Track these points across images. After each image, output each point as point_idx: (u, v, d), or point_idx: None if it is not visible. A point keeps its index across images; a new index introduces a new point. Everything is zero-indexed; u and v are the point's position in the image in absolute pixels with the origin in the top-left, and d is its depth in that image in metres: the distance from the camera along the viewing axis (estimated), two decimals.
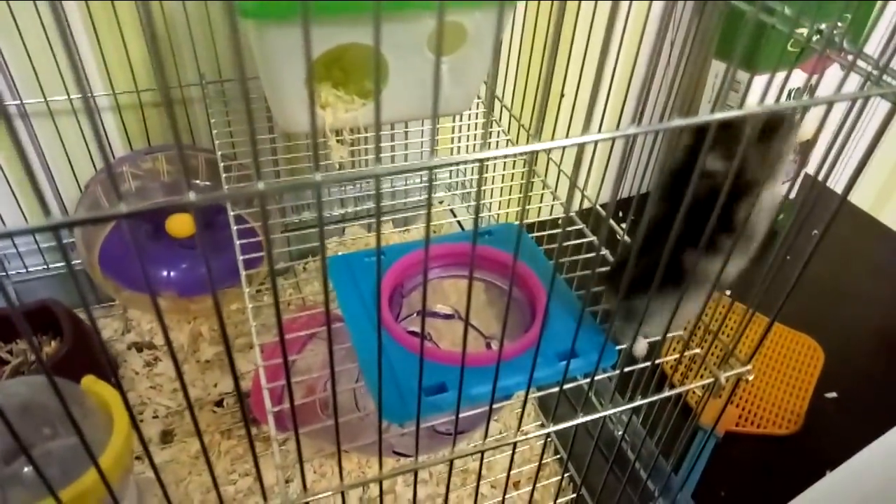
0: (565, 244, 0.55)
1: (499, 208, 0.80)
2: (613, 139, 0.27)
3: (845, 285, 0.95)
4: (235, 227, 0.53)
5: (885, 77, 0.29)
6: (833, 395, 0.78)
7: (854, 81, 0.32)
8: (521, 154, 0.27)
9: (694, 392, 0.75)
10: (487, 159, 0.26)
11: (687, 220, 0.31)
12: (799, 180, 0.98)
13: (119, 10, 0.65)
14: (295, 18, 0.50)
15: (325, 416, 0.53)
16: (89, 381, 0.48)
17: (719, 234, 0.36)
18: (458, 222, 0.84)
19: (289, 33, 0.52)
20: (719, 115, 0.26)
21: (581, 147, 0.27)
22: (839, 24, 0.31)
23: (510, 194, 0.70)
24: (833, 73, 0.39)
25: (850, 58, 0.31)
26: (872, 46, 0.31)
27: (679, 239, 0.32)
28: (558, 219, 0.63)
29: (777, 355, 0.82)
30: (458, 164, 0.27)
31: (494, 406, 0.37)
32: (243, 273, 0.49)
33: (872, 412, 0.76)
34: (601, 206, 0.58)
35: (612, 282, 0.45)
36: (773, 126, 0.35)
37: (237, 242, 0.51)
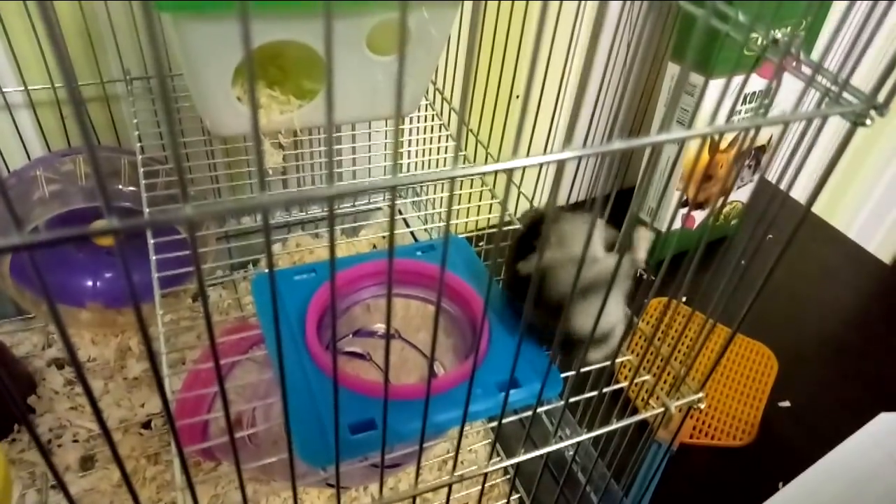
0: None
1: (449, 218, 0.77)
2: (579, 157, 0.23)
3: (797, 290, 0.94)
4: (153, 241, 0.48)
5: (844, 94, 0.26)
6: (786, 403, 0.77)
7: (810, 91, 0.30)
8: (499, 171, 0.24)
9: (651, 406, 0.73)
10: (459, 177, 0.23)
11: None
12: (752, 185, 0.97)
13: None
14: (215, 12, 0.46)
15: (253, 446, 0.49)
16: None
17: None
18: (412, 233, 0.81)
19: (210, 28, 0.47)
20: (664, 137, 0.23)
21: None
22: (798, 32, 0.29)
23: (459, 203, 0.67)
24: (791, 78, 0.37)
25: (806, 70, 0.28)
26: (830, 60, 0.29)
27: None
28: (509, 230, 0.61)
29: (731, 363, 0.81)
30: (425, 182, 0.24)
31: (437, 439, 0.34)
32: (157, 293, 0.44)
33: (825, 421, 0.75)
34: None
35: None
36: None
37: (153, 258, 0.46)
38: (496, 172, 0.24)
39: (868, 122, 0.26)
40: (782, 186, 0.33)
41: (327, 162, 0.20)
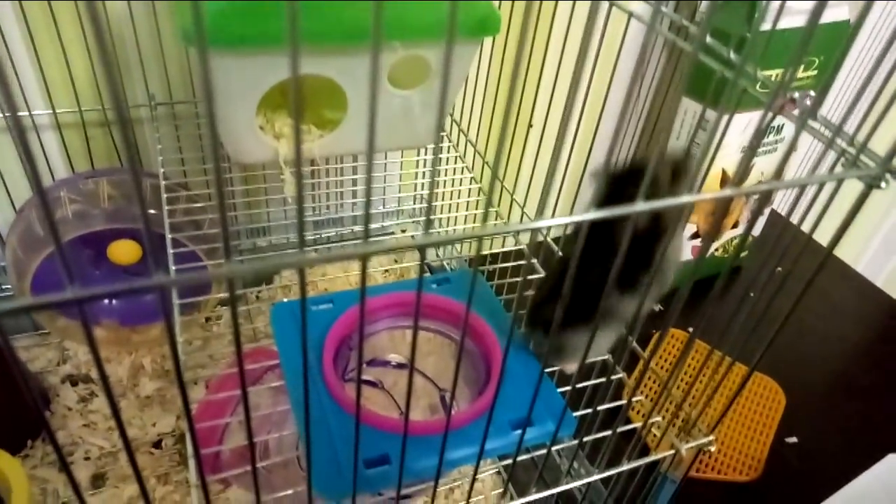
0: (516, 280, 0.53)
1: (461, 249, 0.78)
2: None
3: (805, 325, 0.95)
4: (176, 250, 0.49)
5: (861, 157, 0.27)
6: (793, 440, 0.77)
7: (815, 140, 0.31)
8: (521, 230, 0.25)
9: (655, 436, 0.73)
10: (486, 236, 0.23)
11: (606, 261, 0.30)
12: (764, 218, 0.98)
13: (61, 24, 0.61)
14: (243, 47, 0.47)
15: (265, 472, 0.49)
16: None
17: (638, 272, 0.37)
18: (427, 264, 0.82)
19: (238, 62, 0.48)
20: (687, 199, 0.24)
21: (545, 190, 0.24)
22: (812, 92, 0.30)
23: (474, 222, 0.68)
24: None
25: (825, 131, 0.29)
26: (830, 110, 0.29)
27: (600, 279, 0.31)
28: (516, 252, 0.62)
29: (739, 397, 0.81)
30: (452, 242, 0.24)
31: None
32: (178, 319, 0.45)
33: (832, 459, 0.75)
34: (553, 239, 0.56)
35: (533, 319, 0.46)
36: (680, 170, 0.37)
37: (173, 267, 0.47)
38: (501, 190, 0.24)
39: (883, 185, 0.27)
40: (805, 228, 0.33)
41: (363, 216, 0.21)
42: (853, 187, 0.28)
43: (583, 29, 0.27)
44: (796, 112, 0.32)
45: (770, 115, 0.27)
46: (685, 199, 0.24)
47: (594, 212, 0.23)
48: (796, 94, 0.31)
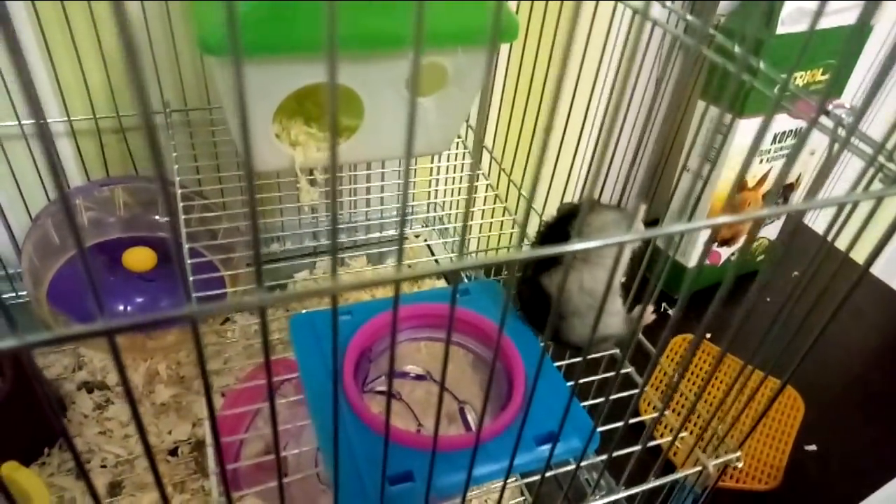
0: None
1: (477, 246, 0.77)
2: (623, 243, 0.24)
3: (824, 330, 0.93)
4: (192, 261, 0.49)
5: None
6: (813, 447, 0.76)
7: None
8: (550, 255, 0.24)
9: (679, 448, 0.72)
10: (521, 259, 0.23)
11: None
12: (780, 222, 0.97)
13: (76, 31, 0.60)
14: (260, 56, 0.47)
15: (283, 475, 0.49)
16: (11, 469, 0.43)
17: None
18: (436, 261, 0.81)
19: (255, 71, 0.48)
20: (723, 219, 0.23)
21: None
22: (846, 105, 0.29)
23: (490, 231, 0.67)
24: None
25: (863, 146, 0.28)
26: (880, 129, 0.29)
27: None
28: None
29: (757, 406, 0.80)
30: (483, 266, 0.24)
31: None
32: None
33: (853, 466, 0.74)
34: None
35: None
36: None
37: (194, 295, 0.47)
38: (519, 196, 0.24)
39: None
40: (820, 229, 0.33)
41: (397, 241, 0.21)
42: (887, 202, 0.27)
43: (602, 34, 0.26)
44: (831, 123, 0.31)
45: (808, 128, 0.26)
46: (721, 219, 0.24)
47: (619, 236, 0.22)
48: (831, 106, 0.30)
